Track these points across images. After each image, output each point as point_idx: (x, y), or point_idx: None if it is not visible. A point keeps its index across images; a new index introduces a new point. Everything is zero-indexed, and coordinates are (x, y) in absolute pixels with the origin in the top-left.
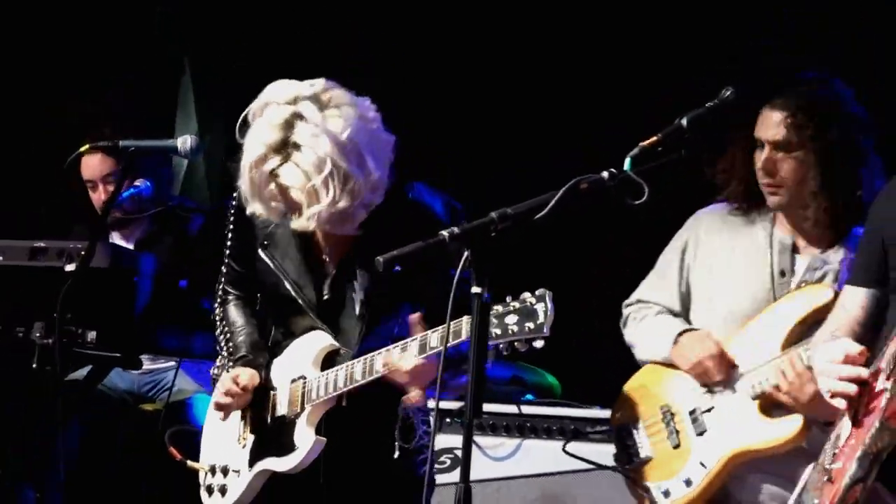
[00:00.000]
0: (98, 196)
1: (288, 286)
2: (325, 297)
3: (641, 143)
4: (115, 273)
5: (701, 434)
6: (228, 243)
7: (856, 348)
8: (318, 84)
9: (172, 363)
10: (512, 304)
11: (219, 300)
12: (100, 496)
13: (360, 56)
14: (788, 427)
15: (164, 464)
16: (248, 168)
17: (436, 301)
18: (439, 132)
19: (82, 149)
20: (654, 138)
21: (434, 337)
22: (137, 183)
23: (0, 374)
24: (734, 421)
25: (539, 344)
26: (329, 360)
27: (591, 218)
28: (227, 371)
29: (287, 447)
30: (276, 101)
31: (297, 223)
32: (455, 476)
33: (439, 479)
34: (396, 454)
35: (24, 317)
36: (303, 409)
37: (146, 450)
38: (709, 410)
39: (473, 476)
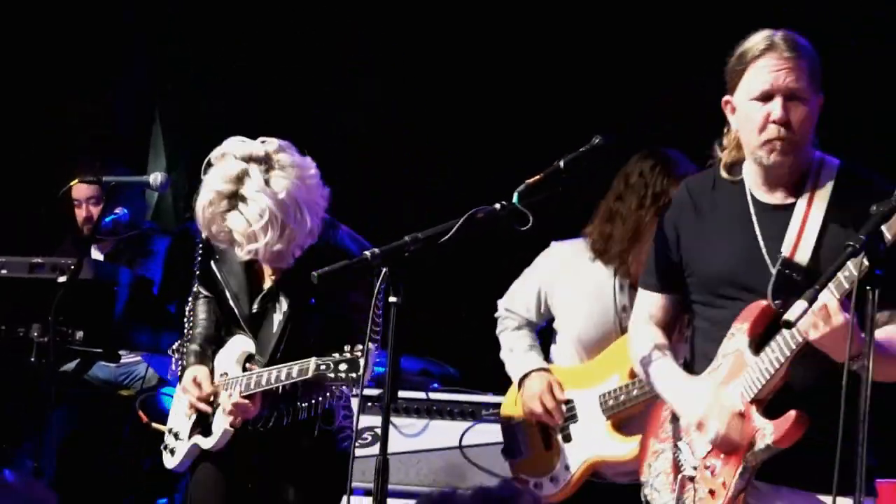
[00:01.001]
0: (81, 212)
1: (228, 296)
2: (255, 310)
3: (527, 181)
4: (97, 284)
5: (567, 441)
6: (198, 254)
7: None
8: (271, 145)
9: (142, 358)
10: (345, 355)
11: (192, 296)
12: (85, 463)
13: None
14: (628, 448)
15: (137, 436)
16: (202, 207)
17: (336, 327)
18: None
19: (73, 182)
20: (538, 177)
21: (255, 378)
22: (117, 211)
23: (3, 367)
24: (591, 434)
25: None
26: (249, 361)
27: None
28: (185, 359)
29: (207, 429)
30: (232, 153)
31: (239, 254)
32: (375, 450)
33: (362, 452)
34: (316, 433)
35: (24, 319)
36: (220, 396)
37: (122, 426)
38: (574, 421)
39: (390, 450)
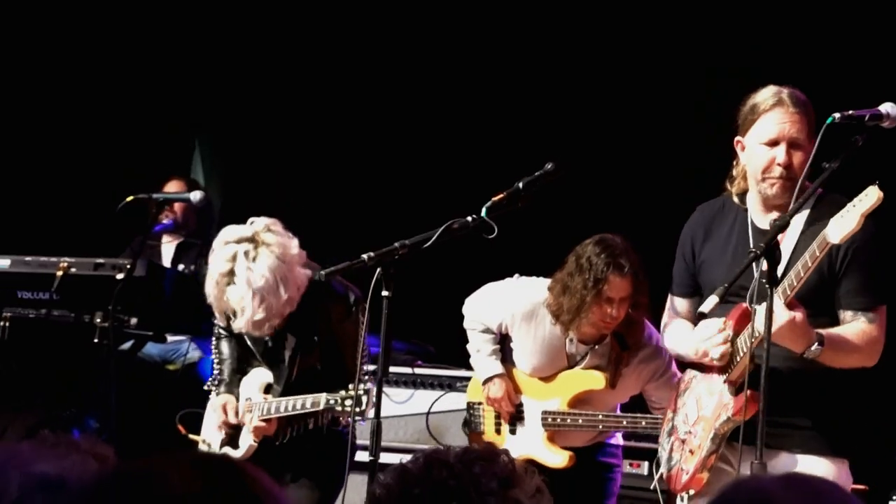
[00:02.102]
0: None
1: (245, 338)
2: (269, 347)
3: (493, 199)
4: (148, 280)
5: (513, 434)
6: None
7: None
8: (259, 224)
9: (185, 338)
10: (350, 392)
11: (215, 336)
12: (139, 424)
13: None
14: (559, 458)
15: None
16: (209, 289)
17: (335, 360)
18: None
19: (128, 199)
20: (501, 195)
21: (274, 405)
22: (164, 221)
23: (72, 347)
24: (531, 437)
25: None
26: (267, 390)
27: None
28: (217, 388)
29: (235, 444)
30: (226, 239)
31: (235, 325)
32: (371, 414)
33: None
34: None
35: (90, 308)
36: (246, 418)
37: (169, 394)
38: (521, 422)
39: (382, 414)
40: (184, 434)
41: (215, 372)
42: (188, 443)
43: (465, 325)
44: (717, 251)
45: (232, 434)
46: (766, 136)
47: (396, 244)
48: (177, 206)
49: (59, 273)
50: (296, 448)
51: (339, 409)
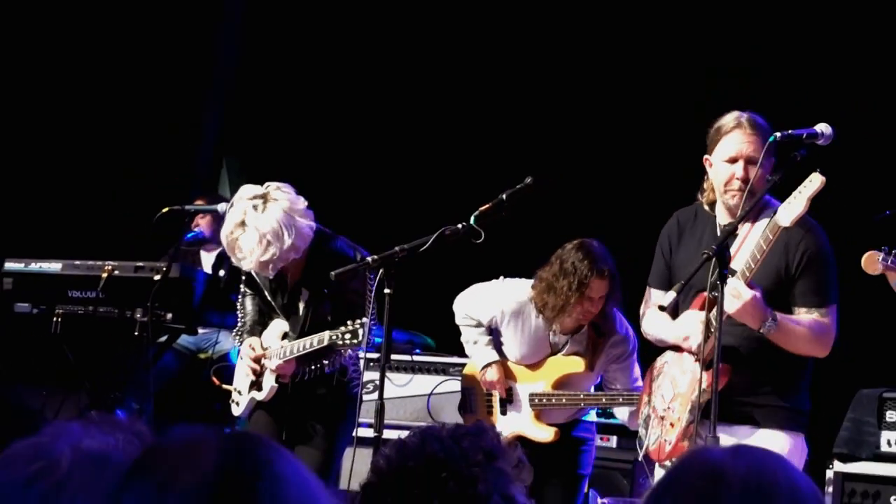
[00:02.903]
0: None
1: (267, 293)
2: (285, 301)
3: (480, 208)
4: (181, 280)
5: (504, 414)
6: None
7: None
8: (272, 186)
9: (214, 330)
10: (349, 327)
11: (241, 294)
12: (173, 406)
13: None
14: (546, 433)
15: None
16: (225, 235)
17: (345, 309)
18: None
19: (164, 210)
20: (487, 205)
21: (289, 348)
22: (195, 229)
23: (116, 339)
24: (520, 417)
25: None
26: (284, 337)
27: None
28: (240, 338)
29: (260, 386)
30: (242, 196)
31: (243, 264)
32: (375, 396)
33: (366, 398)
34: (334, 383)
35: (131, 305)
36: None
37: (200, 378)
38: (511, 403)
39: (385, 396)
40: (218, 385)
41: (239, 325)
42: (223, 392)
43: (458, 321)
44: (689, 253)
45: (257, 378)
46: (727, 154)
47: (396, 248)
48: (202, 221)
49: (104, 275)
50: (309, 394)
51: (339, 342)
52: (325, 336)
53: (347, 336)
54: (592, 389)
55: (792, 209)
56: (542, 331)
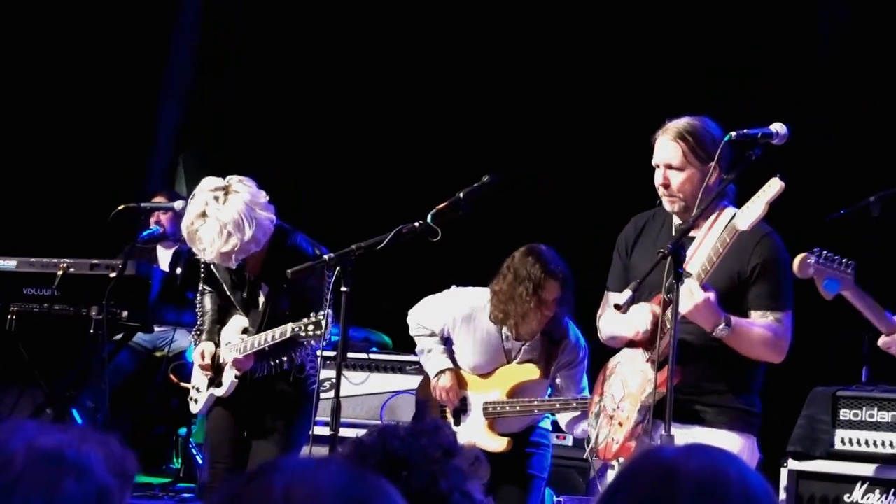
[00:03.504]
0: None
1: (226, 289)
2: (244, 296)
3: (438, 207)
4: (137, 278)
5: (458, 424)
6: (202, 263)
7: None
8: (233, 178)
9: (170, 328)
10: (311, 318)
11: (199, 292)
12: (129, 404)
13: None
14: (498, 443)
15: (166, 384)
16: (185, 226)
17: (303, 305)
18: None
19: (119, 207)
20: (444, 204)
21: (250, 342)
22: (151, 228)
23: (71, 337)
24: (474, 426)
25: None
26: (245, 333)
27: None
28: (198, 338)
29: (220, 383)
30: (204, 188)
31: (201, 256)
32: (331, 394)
33: (323, 396)
34: (291, 379)
35: (86, 303)
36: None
37: (156, 376)
38: (465, 413)
39: (342, 394)
40: (175, 383)
41: (198, 323)
42: (180, 390)
43: (412, 332)
44: (646, 252)
45: (215, 376)
46: (654, 160)
47: (353, 246)
48: (163, 217)
49: (60, 272)
50: (268, 389)
51: (302, 334)
52: (288, 328)
53: (311, 328)
54: (547, 396)
55: (750, 213)
56: (494, 337)
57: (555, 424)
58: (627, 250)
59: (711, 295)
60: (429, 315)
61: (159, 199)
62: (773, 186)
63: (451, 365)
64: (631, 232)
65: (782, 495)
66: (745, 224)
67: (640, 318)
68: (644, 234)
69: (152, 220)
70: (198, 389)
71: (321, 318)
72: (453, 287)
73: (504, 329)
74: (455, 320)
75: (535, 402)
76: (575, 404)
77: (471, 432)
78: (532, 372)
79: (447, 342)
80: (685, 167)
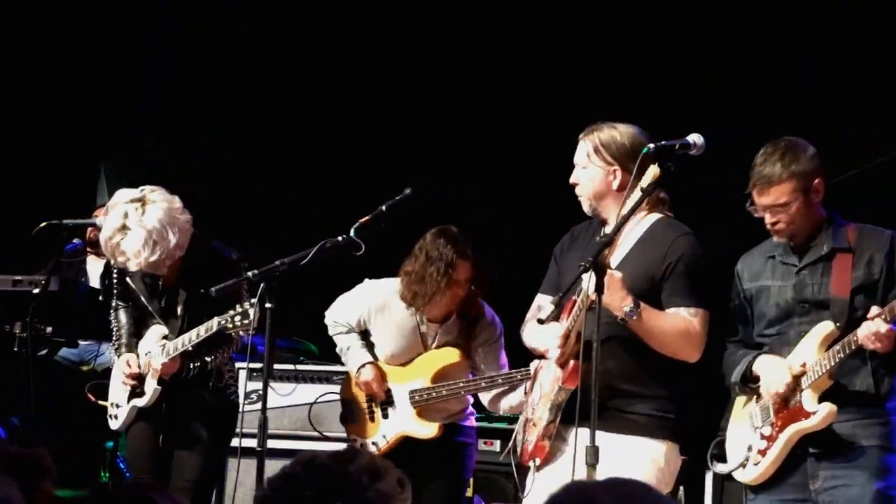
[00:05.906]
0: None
1: (143, 299)
2: (162, 305)
3: (360, 220)
4: (61, 294)
5: (385, 418)
6: (115, 278)
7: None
8: (146, 189)
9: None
10: (238, 309)
11: (113, 307)
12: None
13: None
14: (430, 429)
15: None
16: (104, 241)
17: (217, 304)
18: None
19: (42, 224)
20: (367, 217)
21: (174, 344)
22: (74, 241)
23: None
24: (402, 416)
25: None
26: (164, 339)
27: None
28: (118, 351)
29: (141, 392)
30: (119, 201)
31: (130, 267)
32: (258, 406)
33: (250, 408)
34: (211, 387)
35: (9, 319)
36: (148, 370)
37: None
38: (392, 405)
39: (269, 405)
40: (93, 401)
41: (115, 338)
42: (98, 408)
43: (330, 332)
44: (573, 259)
45: (136, 386)
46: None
47: (277, 262)
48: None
49: None
50: (189, 398)
51: (230, 325)
52: (214, 322)
53: (238, 318)
54: (470, 377)
55: (630, 200)
56: (409, 321)
57: (483, 430)
58: (562, 254)
59: (619, 273)
60: (344, 310)
61: (98, 213)
62: (649, 173)
63: (370, 358)
64: (567, 238)
65: (707, 499)
66: (625, 209)
67: (550, 339)
68: (577, 243)
69: (90, 234)
70: (117, 405)
71: (248, 307)
72: (365, 280)
73: (417, 314)
74: (370, 310)
75: (461, 384)
76: (501, 380)
77: (400, 423)
78: (453, 355)
79: (365, 335)
80: (587, 165)
